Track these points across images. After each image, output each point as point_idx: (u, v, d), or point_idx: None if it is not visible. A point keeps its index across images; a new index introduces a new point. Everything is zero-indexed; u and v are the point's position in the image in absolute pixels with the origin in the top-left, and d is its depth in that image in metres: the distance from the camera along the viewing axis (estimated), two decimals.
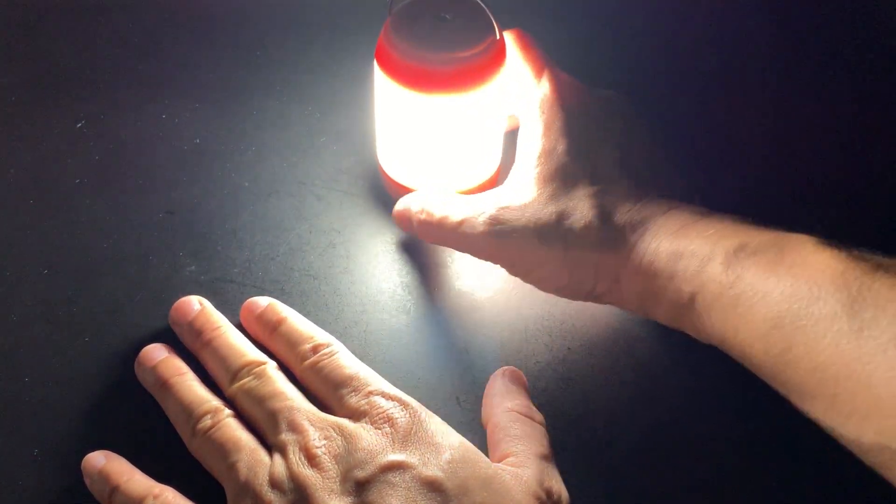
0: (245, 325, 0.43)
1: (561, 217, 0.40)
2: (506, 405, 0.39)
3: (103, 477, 0.37)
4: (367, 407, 0.37)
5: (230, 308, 0.44)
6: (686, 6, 0.63)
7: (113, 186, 0.50)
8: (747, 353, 0.35)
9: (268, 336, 0.42)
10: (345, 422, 0.37)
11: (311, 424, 0.37)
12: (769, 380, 0.35)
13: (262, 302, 0.43)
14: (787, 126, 0.54)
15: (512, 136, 0.49)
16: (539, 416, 0.39)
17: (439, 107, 0.43)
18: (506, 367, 0.42)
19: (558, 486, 0.37)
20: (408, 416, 0.37)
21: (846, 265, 0.32)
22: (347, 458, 0.35)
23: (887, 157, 0.53)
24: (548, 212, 0.40)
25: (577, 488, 0.38)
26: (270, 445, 0.37)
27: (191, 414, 0.38)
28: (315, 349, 0.40)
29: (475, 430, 0.40)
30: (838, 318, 0.31)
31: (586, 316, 0.45)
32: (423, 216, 0.44)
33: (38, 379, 0.41)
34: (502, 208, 0.41)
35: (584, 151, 0.42)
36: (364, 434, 0.36)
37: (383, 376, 0.39)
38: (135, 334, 0.43)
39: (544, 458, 0.37)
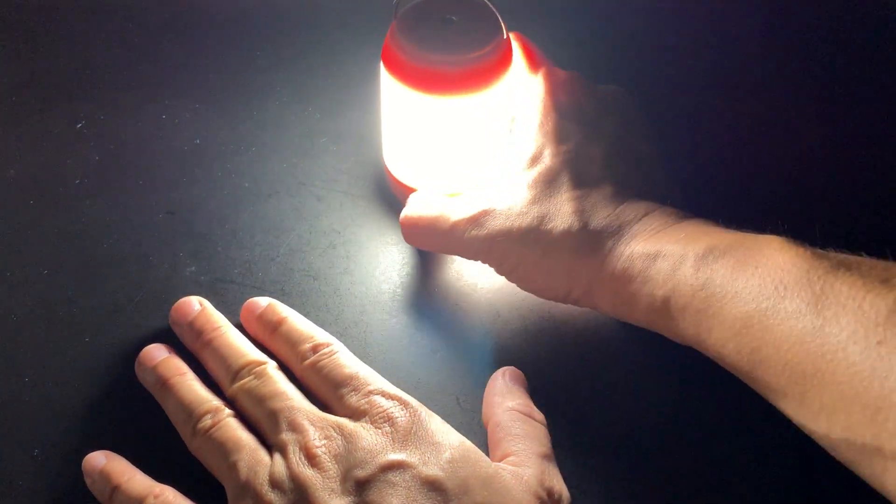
0: (245, 325, 0.43)
1: (542, 221, 0.41)
2: (506, 404, 0.39)
3: (104, 476, 0.37)
4: (367, 406, 0.37)
5: (230, 308, 0.44)
6: (685, 5, 0.63)
7: (113, 186, 0.50)
8: (721, 354, 0.36)
9: (268, 336, 0.42)
10: (345, 421, 0.37)
11: (312, 424, 0.37)
12: (744, 379, 0.35)
13: (262, 302, 0.43)
14: (783, 124, 0.54)
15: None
16: (539, 416, 0.39)
17: (446, 108, 0.43)
18: (506, 367, 0.42)
19: (559, 485, 0.37)
20: (408, 415, 0.37)
21: (810, 264, 0.32)
22: (348, 457, 0.35)
23: (884, 156, 0.53)
24: (530, 215, 0.41)
25: (577, 489, 0.38)
26: (271, 445, 0.37)
27: (191, 413, 0.38)
28: (315, 349, 0.40)
29: (475, 430, 0.40)
30: (803, 316, 0.32)
31: (586, 316, 0.45)
32: (414, 223, 0.44)
33: (38, 379, 0.41)
34: (489, 211, 0.42)
35: (571, 154, 0.42)
36: (364, 433, 0.36)
37: (383, 376, 0.39)
38: (135, 334, 0.43)
39: (545, 457, 0.37)
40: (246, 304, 0.43)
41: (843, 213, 0.50)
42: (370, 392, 0.38)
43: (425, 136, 0.45)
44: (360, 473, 0.35)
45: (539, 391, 0.42)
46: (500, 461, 0.37)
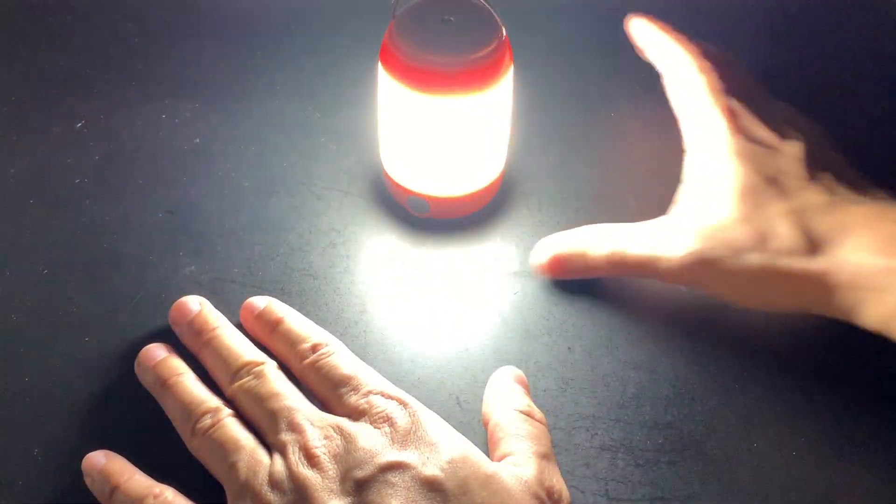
0: (245, 324, 0.43)
1: (761, 237, 0.41)
2: (507, 404, 0.39)
3: (104, 476, 0.37)
4: (366, 406, 0.37)
5: (230, 308, 0.44)
6: (686, 5, 0.63)
7: (113, 186, 0.50)
8: None
9: (267, 335, 0.42)
10: (344, 421, 0.37)
11: (311, 424, 0.36)
12: None
13: (261, 302, 0.43)
14: None
15: (516, 139, 0.49)
16: (540, 415, 0.39)
17: (444, 108, 0.43)
18: (506, 367, 0.42)
19: (559, 485, 0.37)
20: (407, 415, 0.37)
21: None
22: (347, 457, 0.35)
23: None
24: (745, 232, 0.42)
25: (576, 488, 0.38)
26: (270, 445, 0.37)
27: (190, 413, 0.38)
28: (314, 348, 0.40)
29: (475, 430, 0.40)
30: None
31: (586, 316, 0.45)
32: (595, 254, 0.44)
33: (38, 379, 0.41)
34: (693, 231, 0.42)
35: (773, 171, 0.43)
36: (363, 434, 0.36)
37: (383, 376, 0.39)
38: (135, 334, 0.43)
39: (545, 457, 0.37)
40: (245, 303, 0.43)
41: None
42: (369, 392, 0.38)
43: (423, 136, 0.45)
44: (360, 474, 0.34)
45: (539, 391, 0.42)
46: (499, 461, 0.37)
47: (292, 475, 0.35)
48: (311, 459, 0.35)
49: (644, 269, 0.44)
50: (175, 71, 0.56)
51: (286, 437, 0.36)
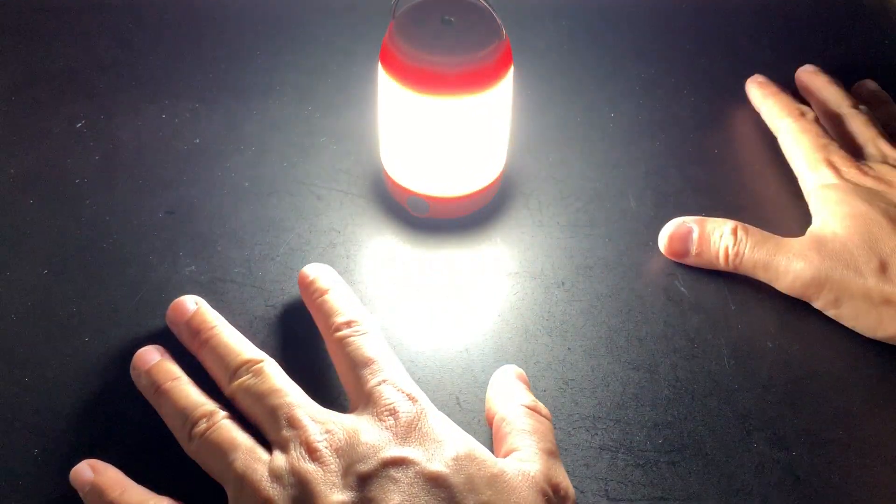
0: (301, 291, 0.43)
1: (882, 265, 0.43)
2: (512, 399, 0.39)
3: (96, 491, 0.36)
4: (376, 394, 0.37)
5: (230, 308, 0.44)
6: (686, 5, 0.63)
7: (113, 186, 0.50)
8: None
9: (310, 304, 0.42)
10: (346, 416, 0.37)
11: (312, 420, 0.36)
12: None
13: (312, 271, 0.43)
14: None
15: (516, 139, 0.49)
16: (545, 411, 0.39)
17: (445, 109, 0.43)
18: (507, 365, 0.42)
19: (565, 482, 0.36)
20: (413, 410, 0.37)
21: None
22: (349, 451, 0.35)
23: None
24: (868, 257, 0.43)
25: (577, 489, 0.38)
26: (271, 443, 0.37)
27: (186, 418, 0.38)
28: (349, 323, 0.40)
29: (475, 429, 0.40)
30: None
31: (586, 316, 0.45)
32: (728, 250, 0.46)
33: (38, 379, 0.41)
34: (820, 249, 0.44)
35: (888, 207, 0.45)
36: (366, 427, 0.36)
37: None
38: (134, 334, 0.43)
39: (551, 453, 0.37)
40: (300, 273, 0.43)
41: None
42: (383, 381, 0.38)
43: (423, 136, 0.45)
44: (362, 468, 0.34)
45: (539, 391, 0.42)
46: (505, 457, 0.37)
47: (293, 469, 0.35)
48: (312, 454, 0.35)
49: (761, 272, 0.46)
50: (175, 71, 0.56)
51: (287, 433, 0.36)
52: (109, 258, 0.46)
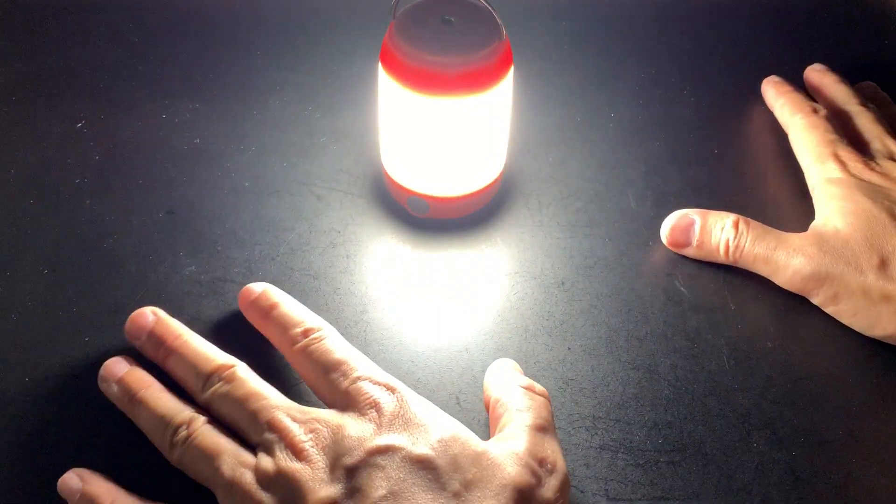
0: (242, 310, 0.43)
1: (882, 262, 0.43)
2: (508, 381, 0.39)
3: (87, 500, 0.36)
4: (354, 392, 0.37)
5: (230, 308, 0.44)
6: (687, 5, 0.63)
7: (113, 186, 0.50)
8: None
9: (261, 320, 0.41)
10: (328, 413, 0.37)
11: (293, 420, 0.36)
12: None
13: (257, 288, 0.42)
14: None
15: (516, 139, 0.49)
16: (541, 389, 0.39)
17: (445, 109, 0.43)
18: (502, 359, 0.42)
19: (553, 455, 0.36)
20: (395, 400, 0.37)
21: None
22: (335, 447, 0.35)
23: None
24: (868, 253, 0.43)
25: (577, 489, 0.39)
26: (254, 445, 0.37)
27: (166, 427, 0.37)
28: (306, 332, 0.40)
29: (475, 429, 0.40)
30: None
31: (586, 316, 0.45)
32: (729, 243, 0.46)
33: (38, 379, 0.41)
34: (821, 245, 0.44)
35: (891, 204, 0.45)
36: (349, 422, 0.36)
37: None
38: None
39: (539, 428, 0.37)
40: (242, 289, 0.43)
41: None
42: (358, 378, 0.37)
43: (423, 137, 0.45)
44: (349, 460, 0.34)
45: None
46: (496, 434, 0.37)
47: (280, 470, 0.35)
48: (298, 454, 0.35)
49: (762, 265, 0.46)
50: (175, 71, 0.56)
51: (269, 435, 0.36)
52: (109, 258, 0.46)
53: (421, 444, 0.35)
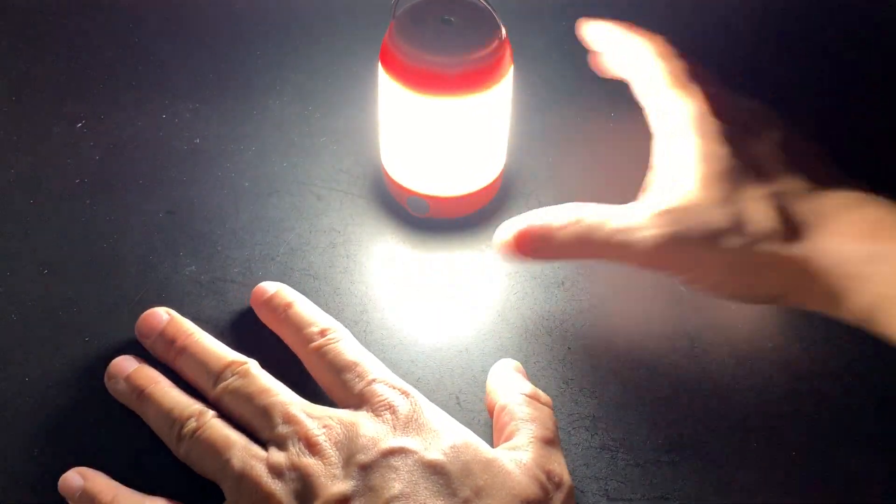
0: (254, 309, 0.43)
1: (738, 219, 0.39)
2: (512, 388, 0.39)
3: (87, 497, 0.36)
4: (368, 394, 0.37)
5: (230, 308, 0.44)
6: (686, 4, 0.63)
7: (113, 186, 0.50)
8: None
9: (276, 319, 0.42)
10: (343, 412, 0.37)
11: (308, 415, 0.36)
12: None
13: (271, 287, 0.43)
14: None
15: (516, 139, 0.49)
16: (545, 398, 0.39)
17: (445, 109, 0.43)
18: (505, 359, 0.42)
19: (560, 468, 0.36)
20: (409, 404, 0.37)
21: None
22: (349, 444, 0.35)
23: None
24: (722, 214, 0.39)
25: (577, 489, 0.38)
26: (266, 441, 0.37)
27: (174, 420, 0.37)
28: (322, 333, 0.40)
29: (475, 429, 0.40)
30: None
31: (586, 316, 0.45)
32: (564, 231, 0.41)
33: (38, 379, 0.41)
34: (667, 212, 0.40)
35: (748, 155, 0.41)
36: (364, 421, 0.36)
37: None
38: (135, 334, 0.43)
39: (547, 441, 0.37)
40: (255, 288, 0.43)
41: None
42: (373, 381, 0.38)
43: (423, 136, 0.45)
44: (363, 458, 0.35)
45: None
46: (503, 444, 0.37)
47: (293, 464, 0.35)
48: (312, 448, 0.35)
49: (614, 250, 0.41)
50: (175, 71, 0.56)
51: (283, 429, 0.36)
52: (109, 258, 0.46)
53: (433, 450, 0.35)
